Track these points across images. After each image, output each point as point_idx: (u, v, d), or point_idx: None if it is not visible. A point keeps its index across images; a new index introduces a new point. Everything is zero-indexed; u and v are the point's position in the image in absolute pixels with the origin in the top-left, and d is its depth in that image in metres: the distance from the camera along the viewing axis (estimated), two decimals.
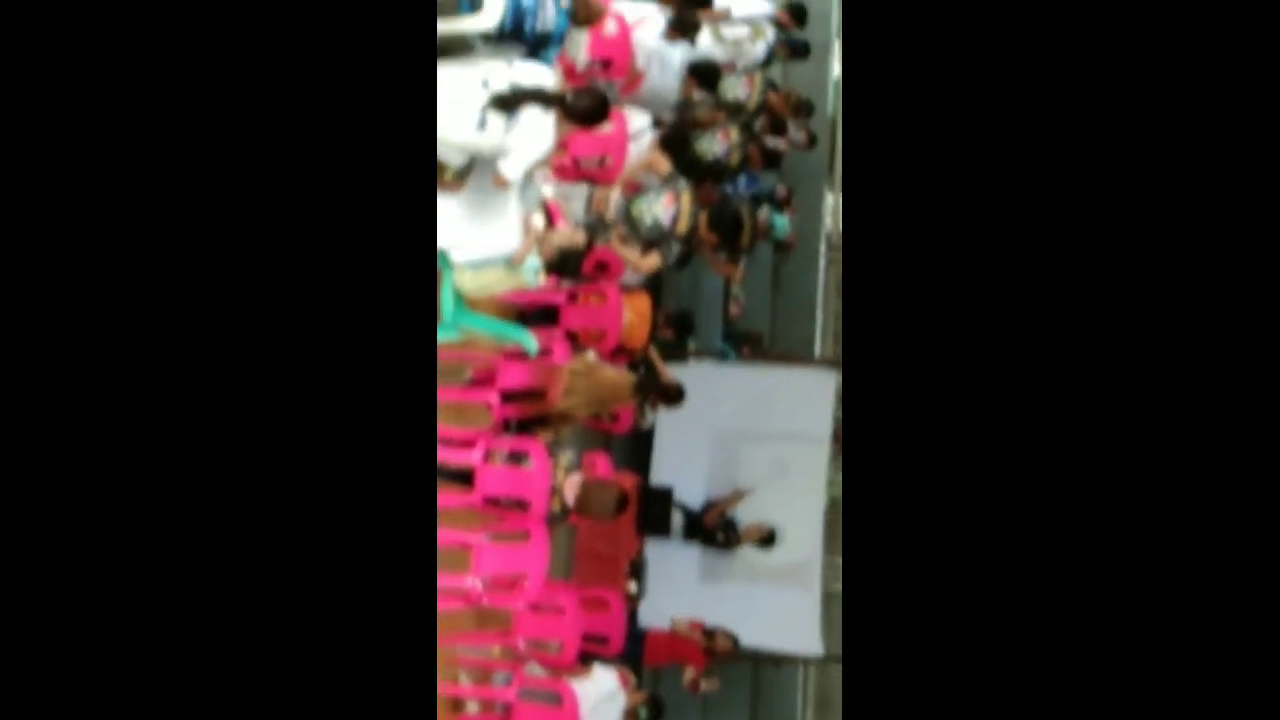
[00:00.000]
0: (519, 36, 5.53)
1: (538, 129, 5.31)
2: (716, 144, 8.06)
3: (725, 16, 8.64)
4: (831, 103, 12.34)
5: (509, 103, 5.14)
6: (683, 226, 6.85)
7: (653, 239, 6.83)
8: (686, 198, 6.90)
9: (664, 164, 6.97)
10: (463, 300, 5.93)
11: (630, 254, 6.94)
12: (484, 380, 6.85)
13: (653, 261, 6.96)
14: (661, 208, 6.84)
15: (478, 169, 5.42)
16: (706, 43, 8.46)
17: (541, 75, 5.42)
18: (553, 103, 5.31)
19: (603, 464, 6.97)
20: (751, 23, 9.10)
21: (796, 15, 9.49)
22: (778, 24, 9.27)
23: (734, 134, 8.12)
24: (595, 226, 6.63)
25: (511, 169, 5.32)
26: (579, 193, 6.89)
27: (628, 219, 6.82)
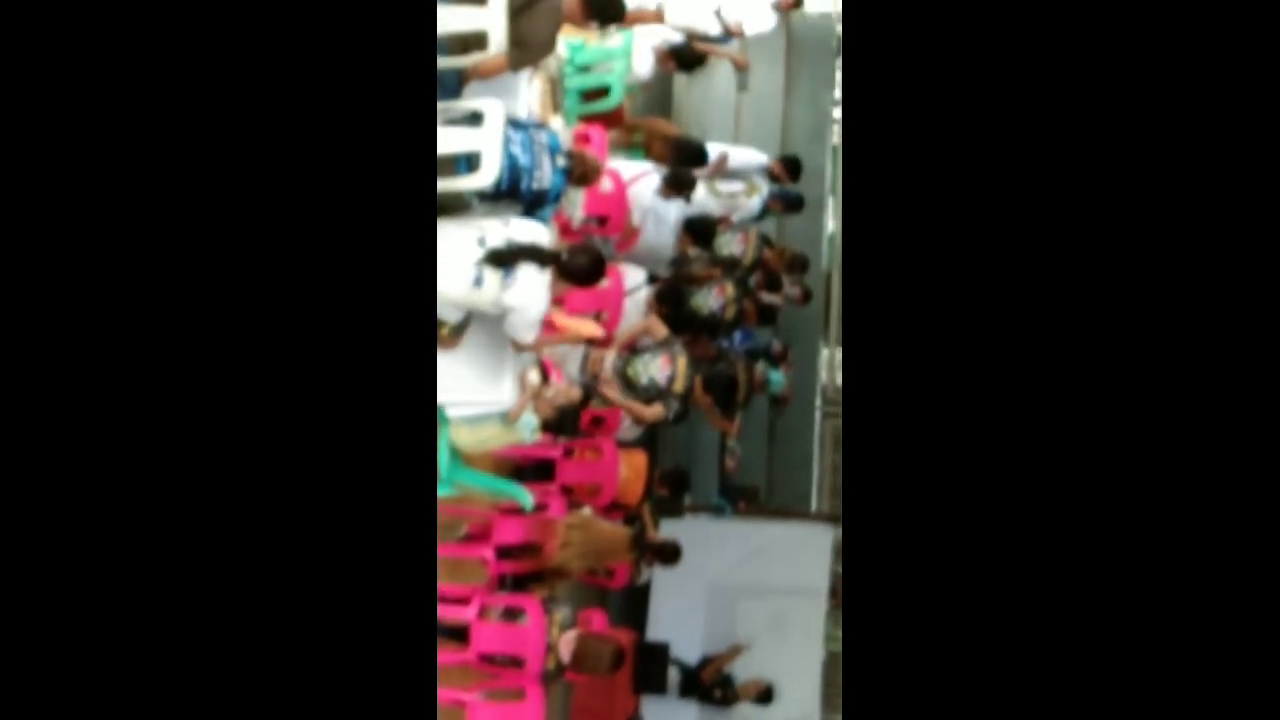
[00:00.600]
0: (515, 195, 5.60)
1: (535, 286, 5.36)
2: (712, 299, 8.11)
3: (722, 165, 8.76)
4: (826, 257, 12.45)
5: (505, 259, 5.19)
6: (679, 387, 6.86)
7: (650, 398, 6.84)
8: (682, 360, 6.92)
9: (660, 328, 7.01)
10: (458, 456, 5.92)
11: (632, 405, 6.96)
12: (479, 536, 6.81)
13: (656, 411, 6.97)
14: (658, 368, 6.86)
15: (474, 325, 5.45)
16: (702, 196, 8.55)
17: (537, 233, 5.48)
18: (548, 261, 5.36)
19: (598, 620, 6.91)
20: (746, 179, 9.23)
21: (791, 168, 9.62)
22: (772, 176, 9.39)
23: (729, 289, 8.18)
24: (591, 386, 6.64)
25: (520, 328, 5.36)
26: (575, 351, 6.92)
27: (623, 379, 6.84)
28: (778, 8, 9.37)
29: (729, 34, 9.16)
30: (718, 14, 8.94)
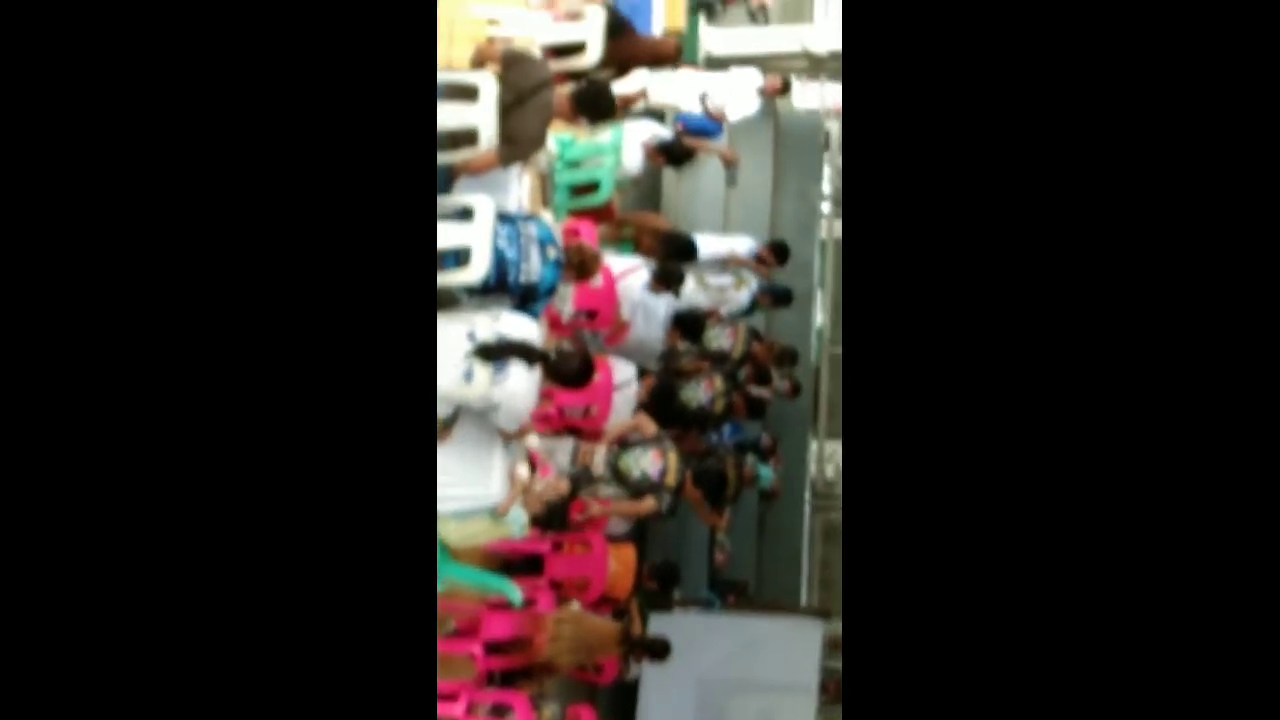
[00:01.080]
0: (504, 289, 5.63)
1: (524, 382, 5.38)
2: (701, 392, 8.12)
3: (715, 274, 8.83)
4: (815, 350, 12.48)
5: (495, 354, 5.20)
6: (671, 480, 6.87)
7: (642, 491, 6.84)
8: (673, 455, 6.94)
9: (650, 425, 7.02)
10: (447, 551, 5.89)
11: (625, 505, 6.94)
12: (467, 631, 6.76)
13: (649, 505, 6.96)
14: (649, 461, 6.86)
15: (462, 419, 5.45)
16: (690, 290, 8.60)
17: (528, 328, 5.50)
18: (537, 360, 5.38)
19: (587, 716, 6.85)
20: (735, 273, 9.28)
21: (779, 253, 9.68)
22: (760, 260, 9.45)
23: (718, 383, 8.19)
24: (580, 478, 6.63)
25: (507, 420, 5.37)
26: (564, 444, 6.92)
27: (615, 472, 6.83)
28: (764, 93, 9.46)
29: (712, 119, 9.25)
30: (702, 99, 9.03)
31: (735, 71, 9.09)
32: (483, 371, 5.19)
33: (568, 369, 5.63)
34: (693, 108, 9.33)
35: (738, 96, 9.38)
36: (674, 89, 8.71)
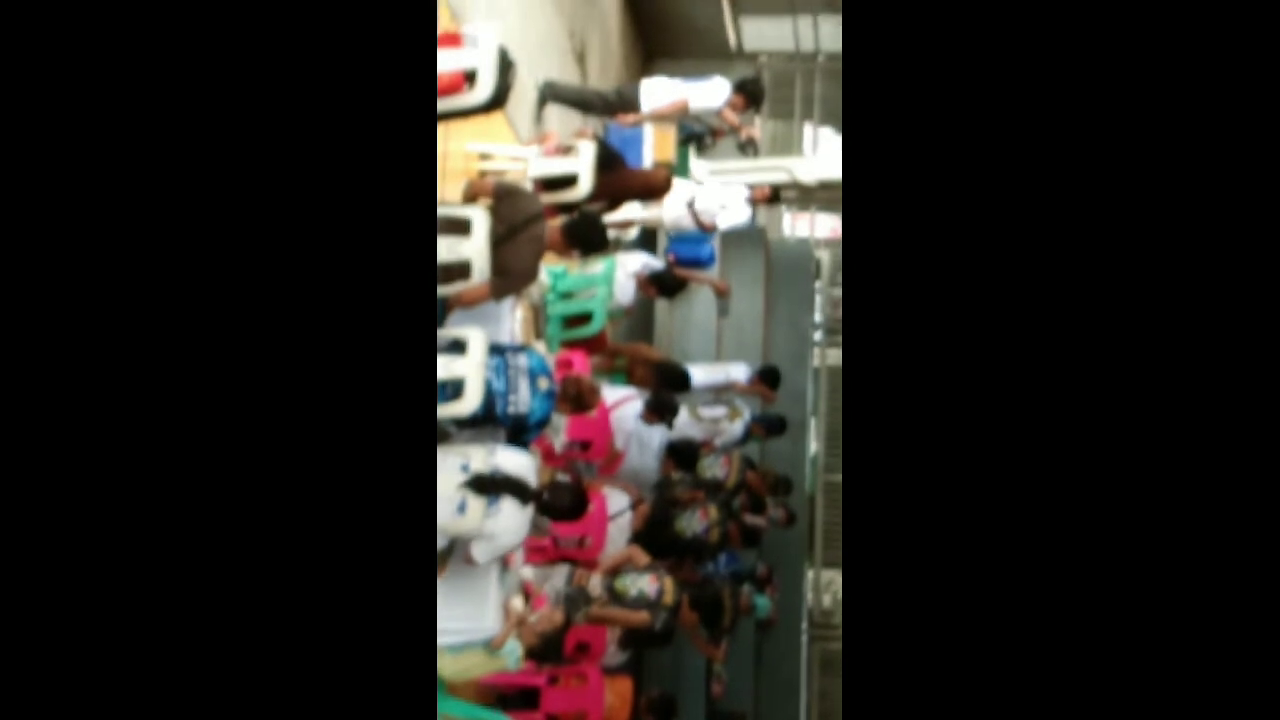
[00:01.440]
0: (492, 420, 5.63)
1: (516, 517, 5.38)
2: (696, 522, 8.10)
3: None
4: (809, 479, 12.48)
5: (488, 486, 5.20)
6: (669, 600, 6.84)
7: (639, 609, 6.81)
8: (669, 579, 6.92)
9: (642, 557, 7.01)
10: (442, 685, 5.83)
11: (618, 614, 6.89)
12: None
13: (643, 616, 6.91)
14: (646, 583, 6.84)
15: (457, 552, 5.43)
16: (684, 421, 8.62)
17: (522, 463, 5.51)
18: (530, 499, 5.39)
19: None
20: (729, 404, 9.32)
21: (770, 380, 9.73)
22: (754, 393, 9.49)
23: (713, 512, 8.18)
24: (577, 598, 6.59)
25: (482, 554, 5.36)
26: (559, 572, 6.88)
27: (612, 593, 6.80)
28: (753, 201, 9.55)
29: (702, 228, 9.32)
30: (690, 206, 9.11)
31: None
32: (476, 504, 5.18)
33: (561, 505, 5.64)
34: (682, 216, 9.40)
35: (727, 205, 9.46)
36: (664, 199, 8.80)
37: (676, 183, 8.93)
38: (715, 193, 9.52)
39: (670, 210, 9.35)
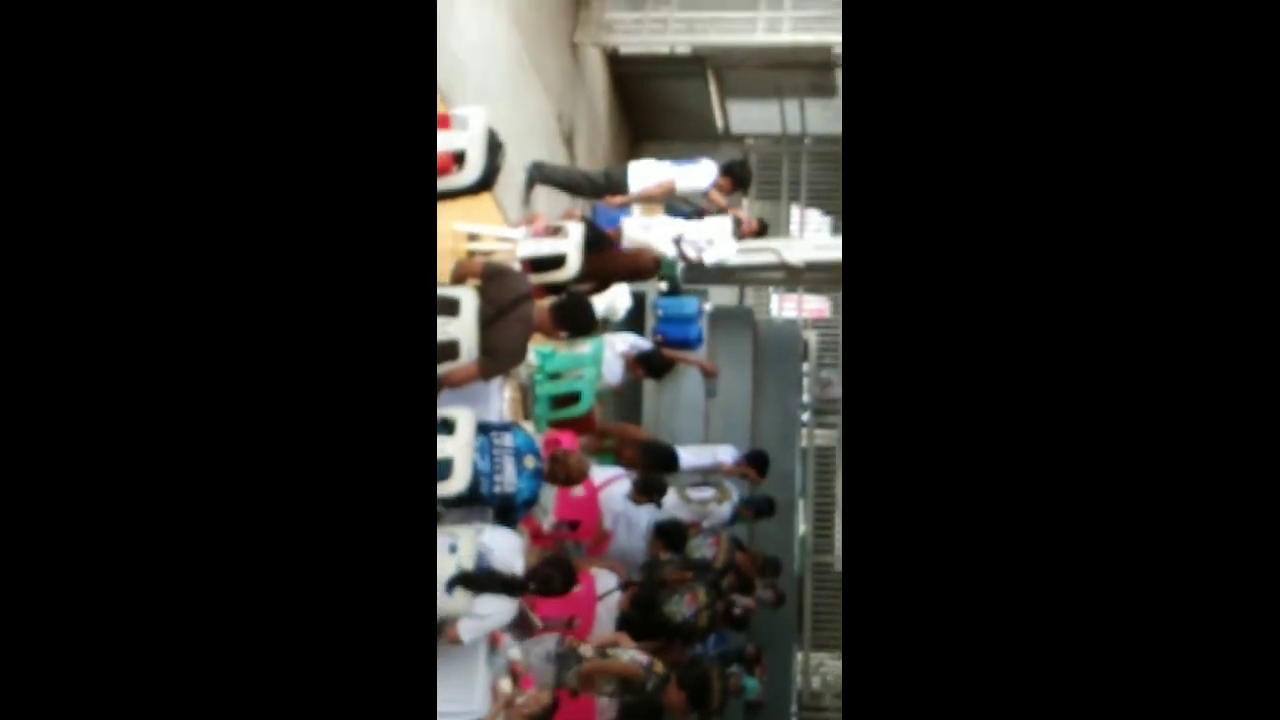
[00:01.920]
0: (478, 500, 5.62)
1: (503, 602, 5.38)
2: (685, 607, 8.05)
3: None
4: (798, 560, 12.44)
5: (477, 585, 5.21)
6: (659, 669, 6.81)
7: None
8: (660, 663, 6.89)
9: (628, 642, 6.99)
10: None
11: (611, 664, 6.85)
12: None
13: (635, 669, 6.89)
14: (635, 653, 6.81)
15: (443, 632, 5.40)
16: (672, 503, 8.60)
17: (510, 543, 5.50)
18: (518, 592, 5.39)
19: None
20: (717, 485, 9.30)
21: (758, 464, 9.72)
22: (741, 476, 9.47)
23: (702, 596, 8.13)
24: (568, 657, 6.56)
25: (468, 632, 5.34)
26: (550, 637, 6.84)
27: (604, 656, 6.78)
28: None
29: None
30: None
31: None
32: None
33: (552, 586, 5.67)
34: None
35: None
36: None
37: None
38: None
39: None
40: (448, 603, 5.17)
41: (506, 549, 5.44)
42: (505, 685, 5.76)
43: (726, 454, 9.71)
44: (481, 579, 5.22)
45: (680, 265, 9.26)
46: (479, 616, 5.30)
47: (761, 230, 9.88)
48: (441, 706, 5.43)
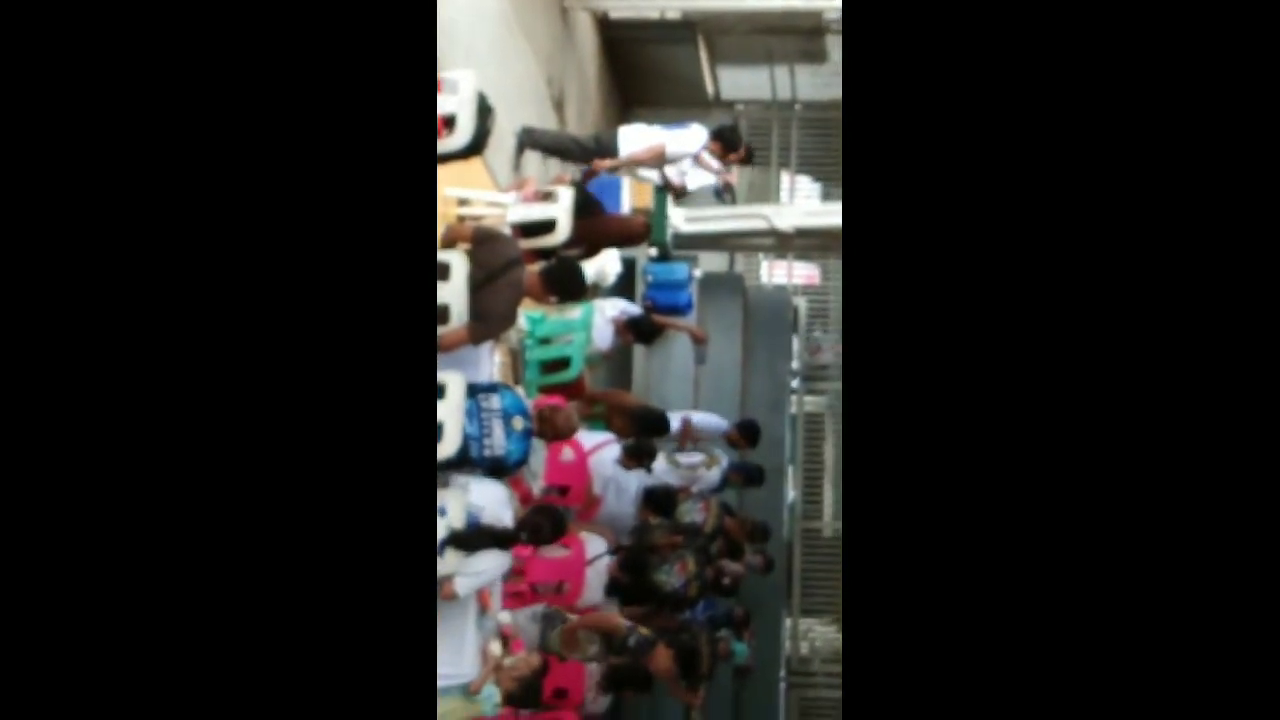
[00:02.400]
0: (468, 463, 5.63)
1: (495, 558, 5.39)
2: (674, 576, 8.08)
3: (688, 432, 8.85)
4: (787, 526, 12.47)
5: (469, 543, 5.22)
6: (646, 631, 6.89)
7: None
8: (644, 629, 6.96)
9: (615, 619, 7.06)
10: None
11: (592, 618, 6.90)
12: None
13: (616, 622, 6.99)
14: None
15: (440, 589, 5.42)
16: (662, 468, 8.61)
17: (497, 495, 5.51)
18: (510, 543, 5.41)
19: None
20: (706, 451, 9.32)
21: (749, 434, 9.73)
22: (730, 442, 9.48)
23: (691, 564, 8.16)
24: (554, 616, 6.60)
25: (464, 587, 5.36)
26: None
27: None
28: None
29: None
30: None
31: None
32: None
33: (542, 530, 5.68)
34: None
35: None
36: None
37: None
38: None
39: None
40: (440, 565, 5.18)
41: (494, 503, 5.46)
42: (495, 648, 5.78)
43: (713, 421, 9.73)
44: (473, 537, 5.23)
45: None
46: (474, 573, 5.32)
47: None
48: None
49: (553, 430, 6.21)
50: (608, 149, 9.03)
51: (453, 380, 5.46)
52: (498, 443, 5.64)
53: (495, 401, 5.69)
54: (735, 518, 9.94)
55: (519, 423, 5.73)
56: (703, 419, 9.50)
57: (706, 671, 8.33)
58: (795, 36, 13.16)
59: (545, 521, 5.72)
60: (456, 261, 5.51)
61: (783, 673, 12.32)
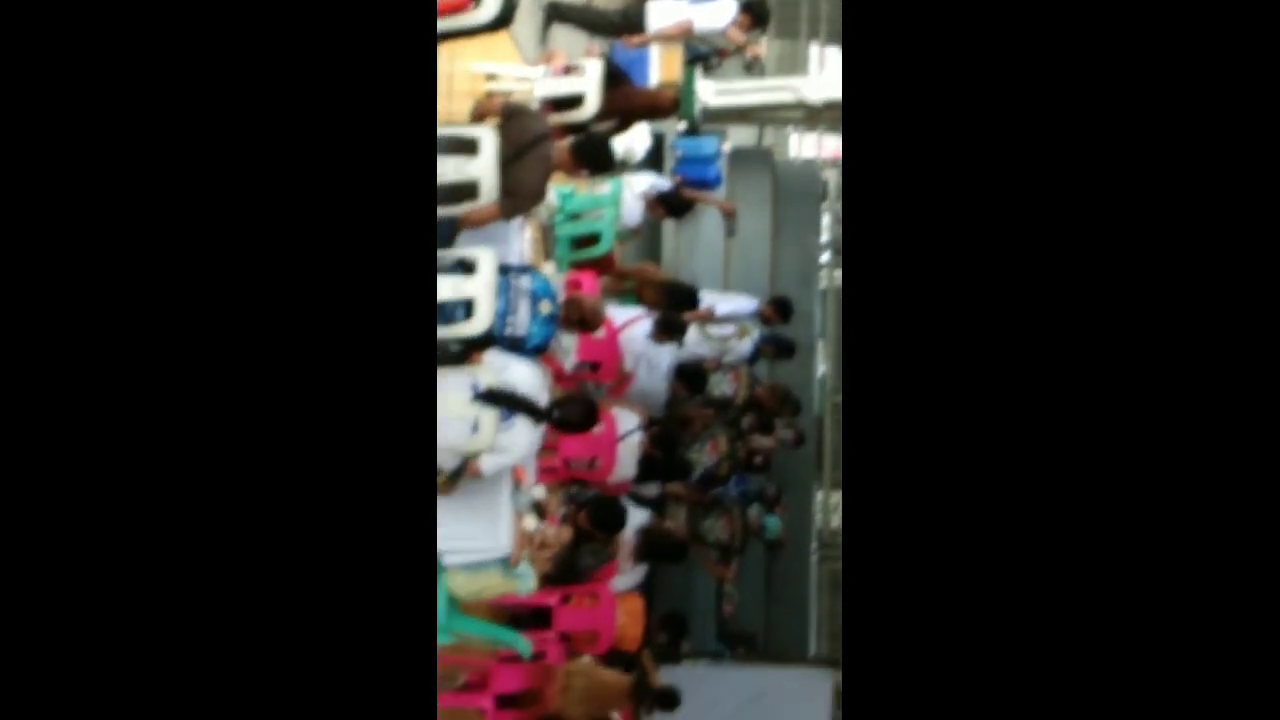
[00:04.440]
0: (490, 341, 5.63)
1: (527, 432, 5.41)
2: (706, 455, 8.13)
3: (709, 316, 8.84)
4: (818, 400, 12.50)
5: (500, 400, 5.21)
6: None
7: None
8: None
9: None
10: (456, 604, 5.88)
11: None
12: (478, 685, 6.72)
13: None
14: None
15: (466, 469, 5.46)
16: (694, 339, 8.62)
17: (531, 376, 5.51)
18: (541, 418, 5.42)
19: None
20: (738, 322, 9.30)
21: (781, 309, 9.71)
22: (763, 318, 9.47)
23: (723, 444, 8.21)
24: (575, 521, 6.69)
25: (490, 467, 5.40)
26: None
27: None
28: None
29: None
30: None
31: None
32: (488, 421, 5.19)
33: (573, 418, 5.67)
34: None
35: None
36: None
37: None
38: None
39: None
40: (474, 440, 5.21)
41: (529, 384, 5.47)
42: (530, 523, 5.83)
43: (743, 302, 9.69)
44: (506, 397, 5.24)
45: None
46: (504, 450, 5.35)
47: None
48: (467, 544, 5.56)
49: (579, 317, 6.21)
50: (635, 23, 8.92)
51: (484, 256, 5.45)
52: (521, 322, 5.62)
53: (525, 281, 5.68)
54: (765, 386, 9.94)
55: (546, 306, 5.71)
56: (730, 305, 9.46)
57: (739, 545, 8.43)
58: None
59: (577, 410, 5.74)
60: (486, 136, 5.47)
61: (814, 546, 12.41)
